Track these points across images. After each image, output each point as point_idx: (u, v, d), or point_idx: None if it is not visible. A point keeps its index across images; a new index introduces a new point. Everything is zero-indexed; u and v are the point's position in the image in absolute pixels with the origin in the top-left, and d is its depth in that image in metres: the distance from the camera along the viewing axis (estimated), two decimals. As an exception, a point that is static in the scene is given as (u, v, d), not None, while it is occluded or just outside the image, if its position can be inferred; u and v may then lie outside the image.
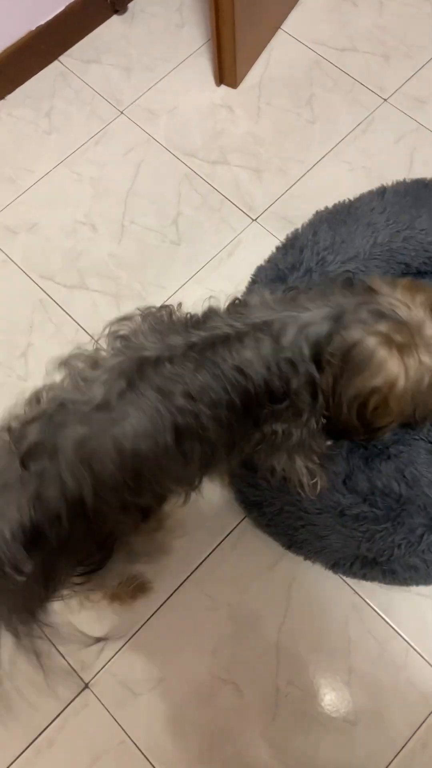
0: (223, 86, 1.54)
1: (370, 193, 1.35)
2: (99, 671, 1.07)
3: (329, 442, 1.04)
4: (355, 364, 0.76)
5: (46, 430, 0.72)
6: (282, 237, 1.36)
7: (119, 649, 1.08)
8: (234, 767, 1.02)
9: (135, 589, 1.11)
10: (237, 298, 0.86)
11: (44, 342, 1.32)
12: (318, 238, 1.28)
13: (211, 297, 0.84)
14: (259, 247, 1.37)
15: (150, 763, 1.02)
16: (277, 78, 1.54)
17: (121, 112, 1.53)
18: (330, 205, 1.35)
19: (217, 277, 1.35)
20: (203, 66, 1.57)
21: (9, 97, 1.56)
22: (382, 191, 1.34)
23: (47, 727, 1.05)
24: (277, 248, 1.31)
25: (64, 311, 1.34)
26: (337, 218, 1.31)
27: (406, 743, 1.02)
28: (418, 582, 1.09)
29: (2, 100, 1.56)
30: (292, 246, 1.28)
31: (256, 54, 1.56)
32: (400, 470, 1.12)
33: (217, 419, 0.78)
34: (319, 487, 1.03)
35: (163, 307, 0.85)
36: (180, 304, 0.85)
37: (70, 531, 0.71)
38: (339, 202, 1.34)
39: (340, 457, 1.13)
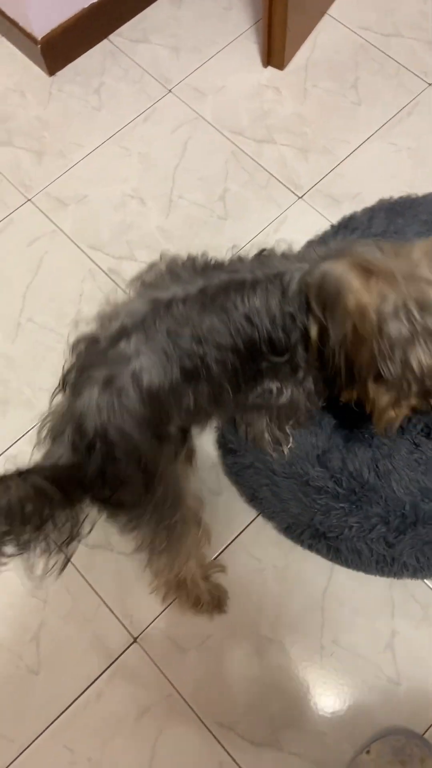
0: (269, 68, 1.57)
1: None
2: (147, 626, 1.10)
3: (322, 404, 1.04)
4: (330, 297, 0.75)
5: (81, 370, 0.81)
6: (327, 215, 1.39)
7: (167, 606, 1.11)
8: (280, 722, 1.05)
9: (214, 601, 1.10)
10: (264, 249, 0.88)
11: (93, 310, 1.34)
12: (372, 224, 1.33)
13: (234, 246, 0.86)
14: (305, 224, 1.39)
15: (197, 716, 1.04)
16: (323, 61, 1.57)
17: (170, 91, 1.56)
18: (378, 184, 1.39)
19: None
20: (250, 48, 1.60)
21: (60, 73, 1.59)
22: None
23: (96, 679, 1.07)
24: (332, 226, 1.34)
25: (113, 281, 1.37)
26: (396, 209, 1.35)
27: (447, 706, 1.04)
28: (357, 567, 1.11)
29: (53, 76, 1.59)
30: (345, 226, 1.32)
31: (303, 37, 1.59)
32: (375, 460, 1.14)
33: (222, 362, 0.82)
34: (285, 453, 1.08)
35: (189, 256, 0.87)
36: (205, 252, 0.88)
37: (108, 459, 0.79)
38: (404, 195, 1.37)
39: (323, 434, 1.16)
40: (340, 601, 1.11)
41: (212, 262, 0.85)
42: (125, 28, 1.64)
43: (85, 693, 1.07)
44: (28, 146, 1.52)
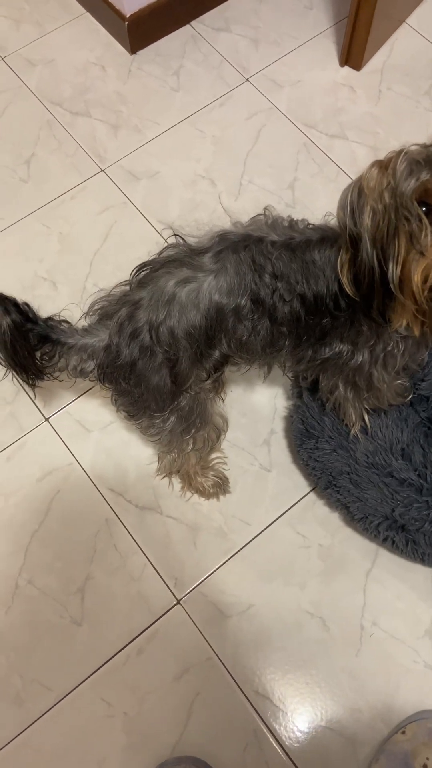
0: (346, 67, 1.60)
1: None
2: (191, 590, 1.11)
3: (405, 383, 1.10)
4: (355, 201, 0.75)
5: (160, 265, 0.89)
6: (394, 212, 1.42)
7: (212, 572, 1.12)
8: (317, 694, 1.06)
9: (214, 484, 1.18)
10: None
11: (157, 282, 1.38)
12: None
13: (328, 213, 0.90)
14: (370, 219, 1.42)
15: (235, 682, 1.06)
16: (399, 66, 1.61)
17: (247, 80, 1.60)
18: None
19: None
20: (328, 46, 1.64)
21: (141, 52, 1.63)
22: None
23: (137, 636, 1.09)
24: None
25: (178, 256, 1.40)
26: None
27: None
28: (430, 562, 1.12)
29: (134, 55, 1.63)
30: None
31: (381, 42, 1.62)
32: None
33: (290, 304, 0.87)
34: (366, 428, 1.12)
35: (289, 217, 0.94)
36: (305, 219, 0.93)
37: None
38: None
39: (407, 429, 1.17)
40: (383, 584, 1.12)
41: (309, 224, 0.91)
42: (208, 16, 1.68)
43: (126, 649, 1.08)
44: (105, 119, 1.56)
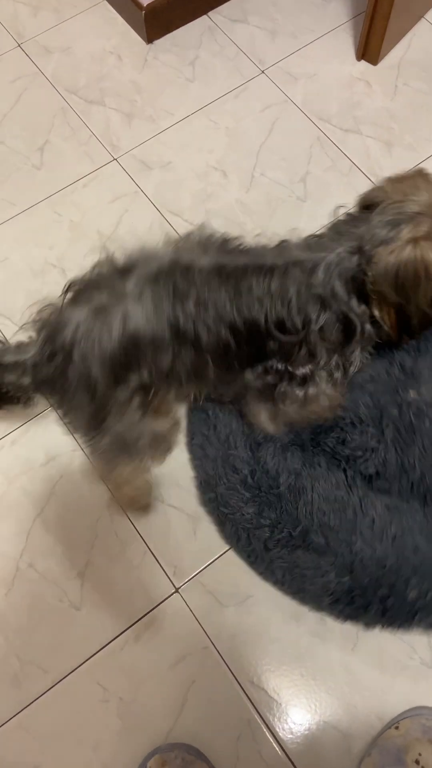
0: (363, 61, 1.59)
1: None
2: (190, 579, 1.12)
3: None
4: (409, 283, 0.78)
5: (87, 286, 0.87)
6: (406, 209, 1.41)
7: (211, 562, 1.13)
8: (312, 687, 1.06)
9: (139, 503, 1.16)
10: (282, 240, 0.90)
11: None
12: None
13: (259, 234, 0.90)
14: (382, 215, 1.41)
15: (231, 671, 1.06)
16: (416, 62, 1.60)
17: (262, 72, 1.59)
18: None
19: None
20: (345, 40, 1.63)
21: (157, 42, 1.63)
22: None
23: (135, 622, 1.09)
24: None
25: (188, 247, 1.40)
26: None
27: None
28: (234, 549, 1.13)
29: (150, 44, 1.63)
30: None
31: (399, 37, 1.61)
32: (298, 473, 1.12)
33: (216, 334, 0.84)
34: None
35: (224, 234, 0.91)
36: (239, 237, 0.91)
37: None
38: None
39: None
40: (381, 580, 1.13)
41: (241, 246, 0.89)
42: (226, 7, 1.67)
43: (123, 634, 1.09)
44: (119, 107, 1.56)
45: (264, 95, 1.57)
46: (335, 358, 0.90)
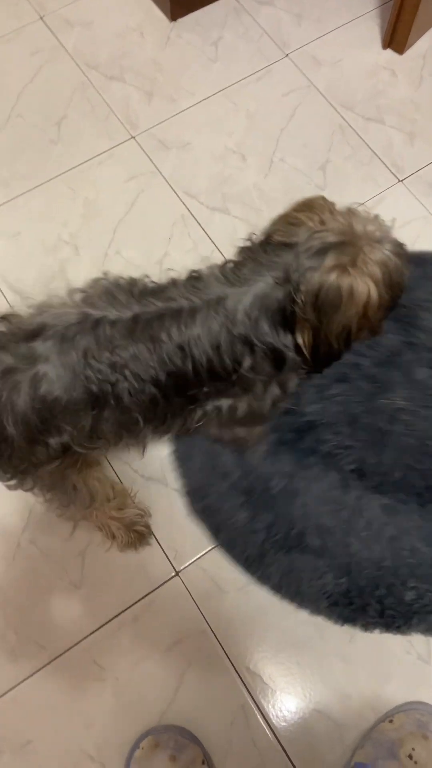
0: (388, 50, 1.57)
1: None
2: (190, 563, 1.11)
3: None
4: (329, 305, 0.77)
5: None
6: (427, 203, 1.39)
7: (213, 547, 1.12)
8: (307, 675, 1.06)
9: (135, 537, 1.12)
10: (193, 270, 0.85)
11: (181, 254, 1.36)
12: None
13: (170, 270, 0.85)
14: (401, 208, 1.40)
15: (227, 655, 1.06)
16: (443, 53, 1.57)
17: (286, 55, 1.57)
18: None
19: (357, 226, 1.38)
20: (371, 28, 1.60)
21: (181, 20, 1.61)
22: None
23: (134, 603, 1.09)
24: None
25: (203, 230, 1.38)
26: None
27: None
28: (231, 555, 1.11)
29: (174, 22, 1.60)
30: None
31: (427, 27, 1.58)
32: (291, 475, 1.12)
33: (139, 392, 0.79)
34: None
35: (130, 279, 0.84)
36: (147, 275, 0.85)
37: None
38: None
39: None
40: (382, 574, 1.12)
41: (150, 287, 0.82)
42: (252, -12, 1.65)
43: (122, 615, 1.09)
44: (139, 85, 1.53)
45: (287, 79, 1.54)
46: (271, 385, 0.88)
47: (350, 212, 0.80)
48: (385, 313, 0.82)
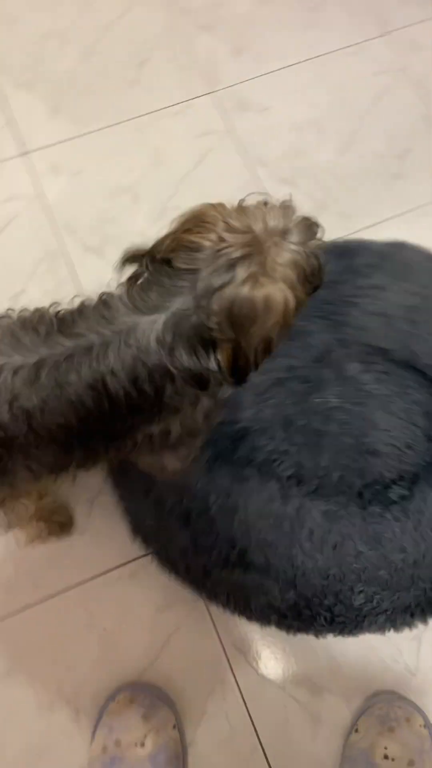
0: None
1: None
2: (196, 532, 1.12)
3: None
4: (246, 320, 0.73)
5: None
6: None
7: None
8: (291, 661, 1.06)
9: (56, 526, 1.10)
10: (103, 293, 0.79)
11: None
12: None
13: (76, 297, 0.79)
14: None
15: (215, 627, 1.06)
16: None
17: (385, 33, 1.49)
18: None
19: (427, 225, 1.34)
20: None
21: (283, -22, 1.54)
22: None
23: (135, 559, 1.09)
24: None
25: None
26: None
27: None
28: (177, 576, 1.08)
29: (276, -21, 1.54)
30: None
31: None
32: (228, 491, 1.07)
33: (48, 443, 0.75)
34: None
35: (38, 313, 0.79)
36: (56, 304, 0.80)
37: None
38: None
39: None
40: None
41: (56, 324, 0.75)
42: None
43: (120, 568, 1.09)
44: (229, 39, 1.48)
45: (381, 59, 1.47)
46: (200, 400, 0.84)
47: (245, 211, 0.75)
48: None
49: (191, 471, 1.04)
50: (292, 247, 0.73)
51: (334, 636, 1.05)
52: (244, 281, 0.72)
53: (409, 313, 1.17)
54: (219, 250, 0.72)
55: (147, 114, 1.41)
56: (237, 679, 1.04)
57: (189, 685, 1.04)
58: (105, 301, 0.77)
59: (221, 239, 0.73)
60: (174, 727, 1.00)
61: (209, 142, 1.39)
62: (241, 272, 0.71)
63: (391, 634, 1.06)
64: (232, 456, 1.09)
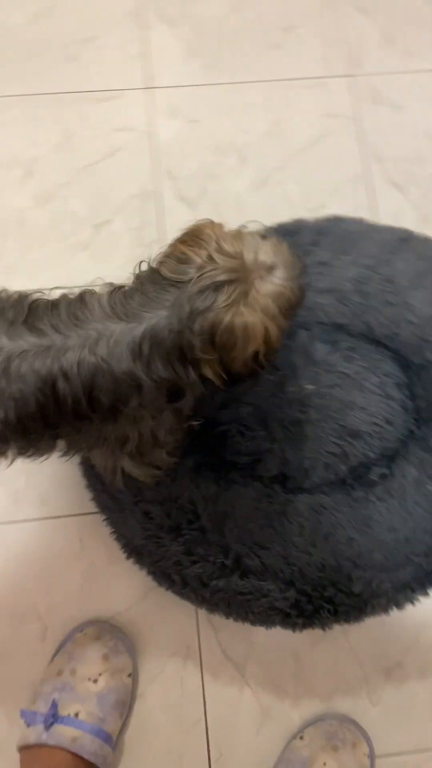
0: None
1: None
2: (205, 501, 1.12)
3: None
4: (227, 345, 0.74)
5: None
6: None
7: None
8: (253, 650, 1.07)
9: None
10: (86, 290, 0.78)
11: (339, 210, 1.30)
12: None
13: (56, 287, 0.78)
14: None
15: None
16: None
17: None
18: None
19: None
20: None
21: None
22: None
23: (137, 508, 1.11)
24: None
25: (373, 199, 1.30)
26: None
27: None
28: (173, 590, 1.06)
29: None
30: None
31: None
32: (216, 498, 1.06)
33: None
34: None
35: (18, 294, 0.78)
36: (40, 292, 0.79)
37: None
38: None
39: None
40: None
41: (26, 313, 0.74)
42: None
43: (122, 512, 1.12)
44: (385, 26, 1.42)
45: None
46: (164, 414, 0.83)
47: (240, 238, 0.76)
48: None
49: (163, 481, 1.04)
50: (277, 281, 0.75)
51: (340, 625, 1.05)
52: (226, 308, 0.73)
53: (358, 285, 1.16)
54: (205, 272, 0.74)
55: (278, 80, 1.37)
56: (201, 651, 1.05)
57: (155, 640, 1.06)
58: (83, 298, 0.76)
59: (211, 258, 0.74)
60: (129, 675, 1.02)
61: (332, 124, 1.35)
62: (223, 298, 0.73)
63: (360, 659, 1.06)
64: (216, 462, 1.08)
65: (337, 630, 1.06)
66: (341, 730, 1.01)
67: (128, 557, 1.08)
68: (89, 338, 0.72)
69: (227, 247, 0.75)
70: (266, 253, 0.76)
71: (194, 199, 1.28)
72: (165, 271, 0.76)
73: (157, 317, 0.74)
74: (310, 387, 1.10)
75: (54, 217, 1.25)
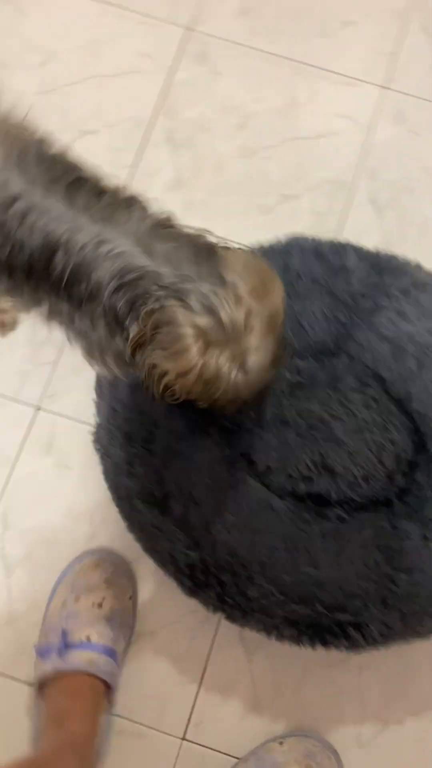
0: None
1: None
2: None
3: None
4: (161, 337, 0.72)
5: None
6: None
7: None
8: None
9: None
10: (137, 197, 0.77)
11: None
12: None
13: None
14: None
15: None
16: None
17: None
18: None
19: None
20: None
21: None
22: None
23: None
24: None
25: None
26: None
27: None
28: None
29: None
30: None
31: None
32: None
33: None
34: None
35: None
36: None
37: None
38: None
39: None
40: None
41: (76, 183, 0.75)
42: None
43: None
44: None
45: None
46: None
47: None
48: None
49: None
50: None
51: (222, 617, 1.00)
52: (195, 328, 0.71)
53: (419, 352, 1.07)
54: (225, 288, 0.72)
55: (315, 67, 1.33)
56: (220, 620, 1.05)
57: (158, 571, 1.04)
58: (131, 203, 0.77)
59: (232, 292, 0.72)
60: (130, 598, 1.04)
61: (344, 126, 1.30)
62: (204, 320, 0.70)
63: (366, 699, 1.04)
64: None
65: (354, 664, 1.05)
66: (321, 754, 0.99)
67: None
68: (103, 239, 0.73)
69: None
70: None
71: (382, 204, 1.27)
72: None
73: (165, 270, 0.73)
74: (316, 407, 1.04)
75: (249, 173, 1.28)
